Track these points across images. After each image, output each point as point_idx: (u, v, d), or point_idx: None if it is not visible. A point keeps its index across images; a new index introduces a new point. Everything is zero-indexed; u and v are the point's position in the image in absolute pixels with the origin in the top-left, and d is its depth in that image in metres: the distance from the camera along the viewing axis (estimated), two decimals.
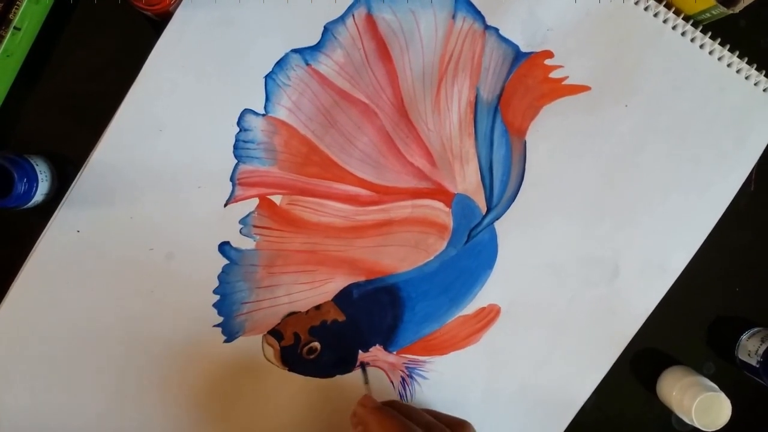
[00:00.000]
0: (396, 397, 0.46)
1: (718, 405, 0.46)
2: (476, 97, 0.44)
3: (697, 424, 0.46)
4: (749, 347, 0.48)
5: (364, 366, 0.46)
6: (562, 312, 0.47)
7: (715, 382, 0.47)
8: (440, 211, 0.45)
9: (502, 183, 0.45)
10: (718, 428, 0.46)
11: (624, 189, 0.46)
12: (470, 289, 0.46)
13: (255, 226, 0.43)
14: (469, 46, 0.43)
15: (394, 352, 0.46)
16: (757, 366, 0.47)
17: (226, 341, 0.44)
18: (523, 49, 0.44)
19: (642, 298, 0.48)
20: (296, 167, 0.43)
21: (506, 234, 0.46)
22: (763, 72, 0.46)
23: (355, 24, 0.42)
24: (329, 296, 0.45)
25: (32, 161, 0.39)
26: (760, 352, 0.47)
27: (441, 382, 0.47)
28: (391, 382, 0.46)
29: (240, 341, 0.44)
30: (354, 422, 0.40)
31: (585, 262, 0.47)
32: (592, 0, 0.44)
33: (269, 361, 0.45)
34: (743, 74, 0.46)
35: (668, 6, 0.45)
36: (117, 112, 0.41)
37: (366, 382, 0.45)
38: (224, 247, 0.43)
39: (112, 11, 0.41)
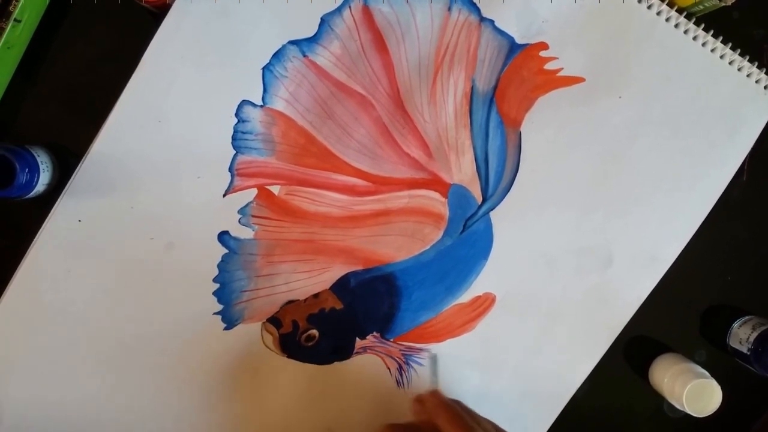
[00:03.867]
0: (393, 383, 0.47)
1: (709, 391, 0.47)
2: (472, 89, 0.44)
3: (688, 410, 0.47)
4: (740, 335, 0.49)
5: (435, 358, 0.46)
6: (556, 301, 0.48)
7: (707, 370, 0.48)
8: (436, 201, 0.46)
9: (497, 173, 0.46)
10: (709, 414, 0.47)
11: (617, 179, 0.47)
12: (466, 278, 0.47)
13: (253, 216, 0.44)
14: (465, 38, 0.44)
15: (391, 340, 0.47)
16: (748, 353, 0.48)
17: (226, 329, 0.45)
18: (518, 40, 0.44)
19: (634, 288, 0.49)
20: (294, 158, 0.43)
21: (501, 224, 0.46)
22: (756, 63, 0.47)
23: (352, 16, 0.42)
24: (327, 285, 0.45)
25: (34, 152, 0.40)
26: (751, 339, 0.48)
27: (437, 369, 0.48)
28: (388, 368, 0.47)
29: (240, 329, 0.45)
30: (417, 409, 0.40)
31: (578, 251, 0.47)
32: None
33: (268, 348, 0.45)
34: (736, 66, 0.46)
35: None
36: (117, 103, 0.41)
37: (434, 374, 0.45)
38: (223, 237, 0.43)
39: (112, 3, 0.42)
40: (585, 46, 0.45)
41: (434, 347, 0.47)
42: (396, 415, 0.44)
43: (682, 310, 0.51)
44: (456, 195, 0.46)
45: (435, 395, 0.40)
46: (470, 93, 0.44)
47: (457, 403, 0.40)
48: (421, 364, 0.47)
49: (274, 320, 0.45)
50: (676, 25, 0.45)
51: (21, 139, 0.42)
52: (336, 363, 0.47)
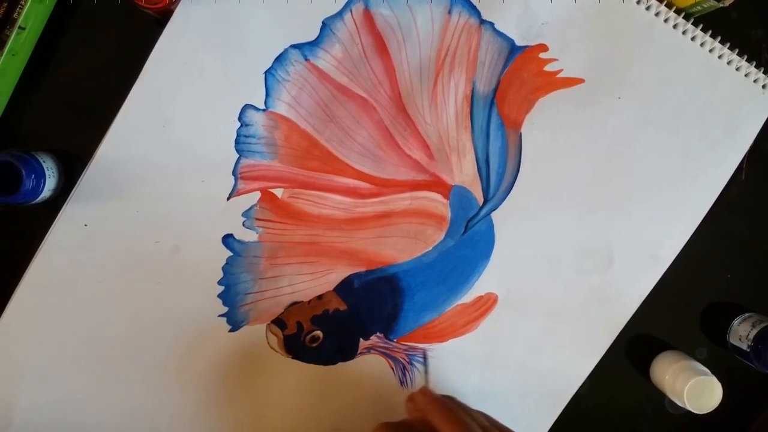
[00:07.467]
0: (396, 384, 0.48)
1: (710, 388, 0.47)
2: (472, 91, 0.45)
3: (689, 407, 0.47)
4: (740, 332, 0.49)
5: (426, 355, 0.47)
6: (558, 300, 0.48)
7: (707, 367, 0.48)
8: (438, 203, 0.46)
9: (499, 175, 0.46)
10: (710, 411, 0.48)
11: (617, 179, 0.47)
12: (468, 279, 0.47)
13: (257, 219, 0.44)
14: (465, 40, 0.44)
15: (395, 340, 0.47)
16: (748, 350, 0.48)
17: (231, 331, 0.45)
18: (518, 42, 0.45)
19: (635, 286, 0.49)
20: (297, 161, 0.44)
21: (503, 224, 0.47)
22: (754, 63, 0.47)
23: (353, 19, 0.43)
24: (331, 286, 0.46)
25: (39, 158, 0.40)
26: (751, 336, 0.48)
27: (440, 368, 0.48)
28: (392, 369, 0.48)
29: (244, 330, 0.45)
30: (410, 408, 0.41)
31: (579, 251, 0.48)
32: None
33: (273, 349, 0.46)
34: (734, 66, 0.47)
35: None
36: (121, 108, 0.41)
37: (426, 372, 0.45)
38: (228, 240, 0.44)
39: (115, 10, 0.42)
40: (584, 48, 0.45)
41: (437, 347, 0.48)
42: (399, 414, 0.44)
43: (683, 308, 0.52)
44: (457, 196, 0.46)
45: (425, 393, 0.40)
46: (471, 95, 0.45)
47: (449, 398, 0.41)
48: (424, 364, 0.48)
49: (279, 322, 0.46)
50: (675, 26, 0.46)
51: (27, 145, 0.42)
52: (340, 363, 0.47)
